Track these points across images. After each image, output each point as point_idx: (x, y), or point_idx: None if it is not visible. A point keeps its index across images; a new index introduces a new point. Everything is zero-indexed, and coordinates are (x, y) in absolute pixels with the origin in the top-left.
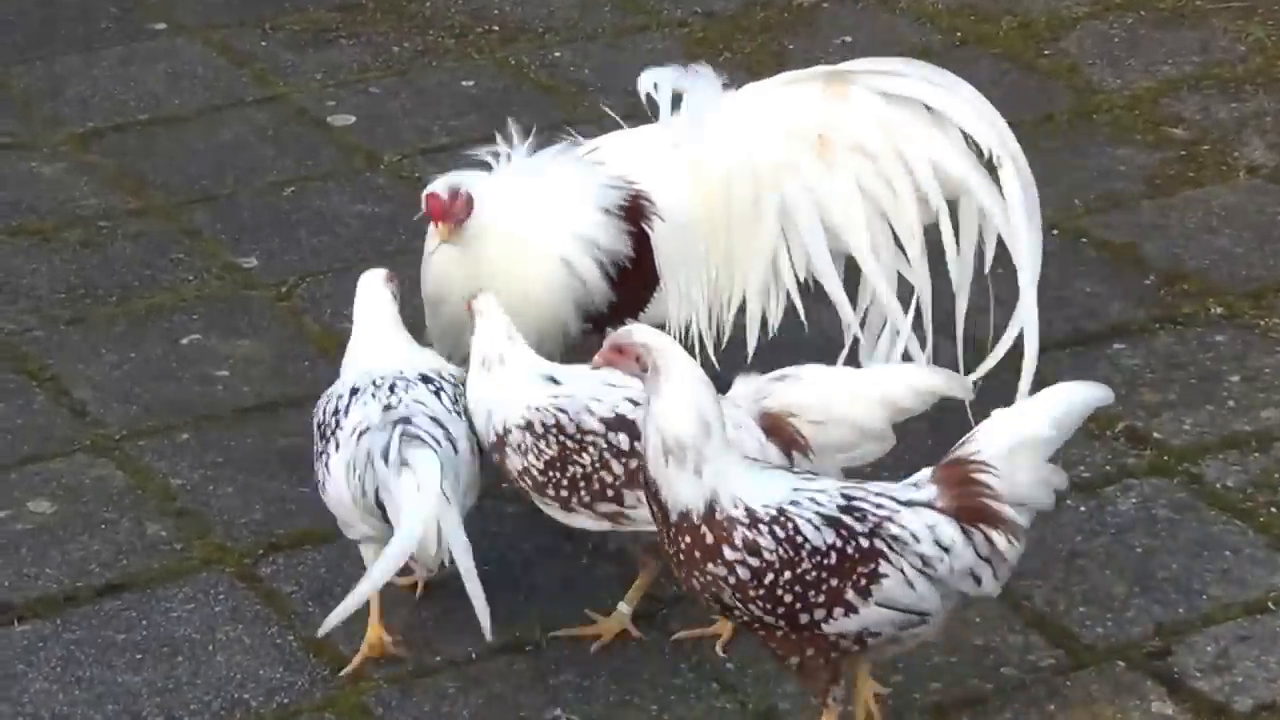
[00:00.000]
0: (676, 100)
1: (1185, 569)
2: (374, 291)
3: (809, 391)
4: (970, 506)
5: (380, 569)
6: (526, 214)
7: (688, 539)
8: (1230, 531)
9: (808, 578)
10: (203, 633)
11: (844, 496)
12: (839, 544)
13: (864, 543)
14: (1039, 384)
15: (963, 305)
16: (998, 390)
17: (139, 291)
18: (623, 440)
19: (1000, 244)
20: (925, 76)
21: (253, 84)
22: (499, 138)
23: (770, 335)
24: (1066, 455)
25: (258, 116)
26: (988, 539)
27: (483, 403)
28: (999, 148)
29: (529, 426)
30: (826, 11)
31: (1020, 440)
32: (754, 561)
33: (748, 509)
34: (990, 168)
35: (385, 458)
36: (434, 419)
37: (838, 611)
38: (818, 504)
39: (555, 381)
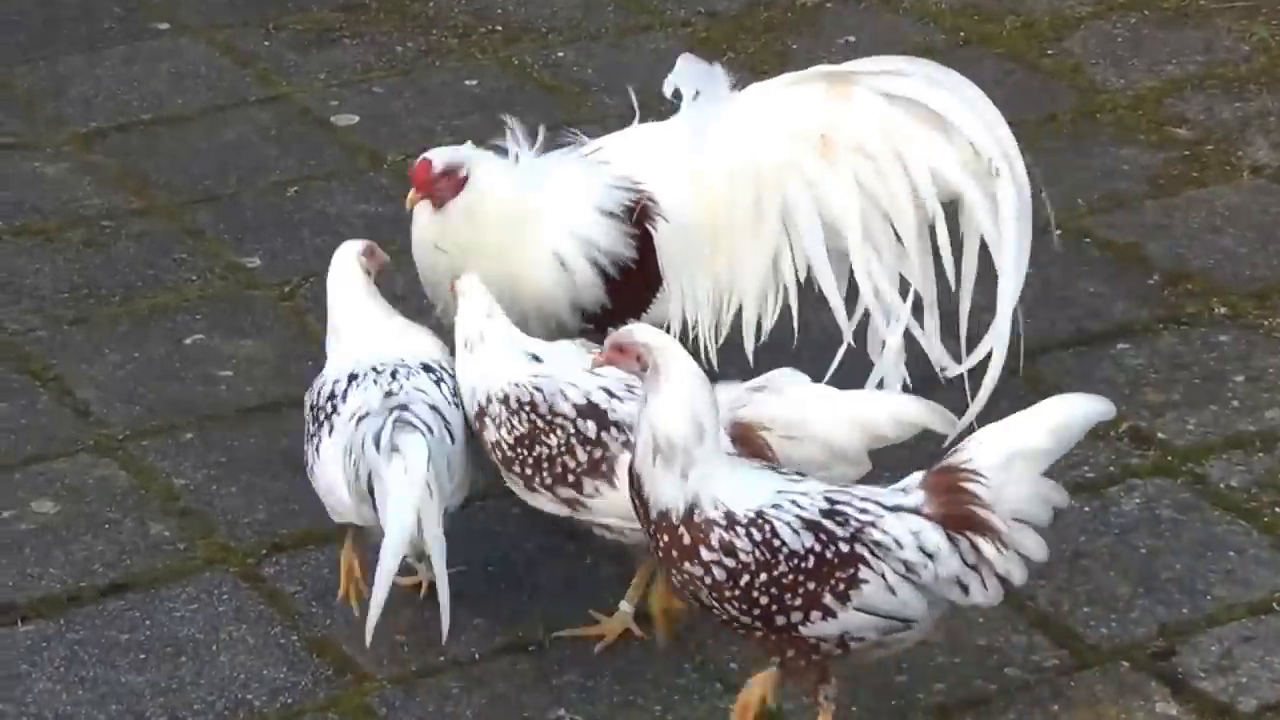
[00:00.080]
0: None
1: (1189, 569)
2: (346, 266)
3: (788, 406)
4: (957, 514)
5: (385, 564)
6: (526, 206)
7: (666, 538)
8: (1234, 532)
9: (784, 581)
10: (206, 633)
11: (827, 500)
12: (817, 548)
13: (844, 547)
14: (1041, 385)
15: (965, 305)
16: (1003, 393)
17: (142, 291)
18: (590, 428)
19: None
20: (928, 77)
21: (256, 84)
22: (508, 135)
23: (771, 336)
24: (1070, 455)
25: (261, 116)
26: (974, 547)
27: (468, 382)
28: (998, 158)
29: (505, 400)
30: (830, 11)
31: (1015, 451)
32: (730, 563)
33: (727, 512)
34: (992, 171)
35: (377, 444)
36: (433, 407)
37: (815, 615)
38: (799, 507)
39: (537, 359)
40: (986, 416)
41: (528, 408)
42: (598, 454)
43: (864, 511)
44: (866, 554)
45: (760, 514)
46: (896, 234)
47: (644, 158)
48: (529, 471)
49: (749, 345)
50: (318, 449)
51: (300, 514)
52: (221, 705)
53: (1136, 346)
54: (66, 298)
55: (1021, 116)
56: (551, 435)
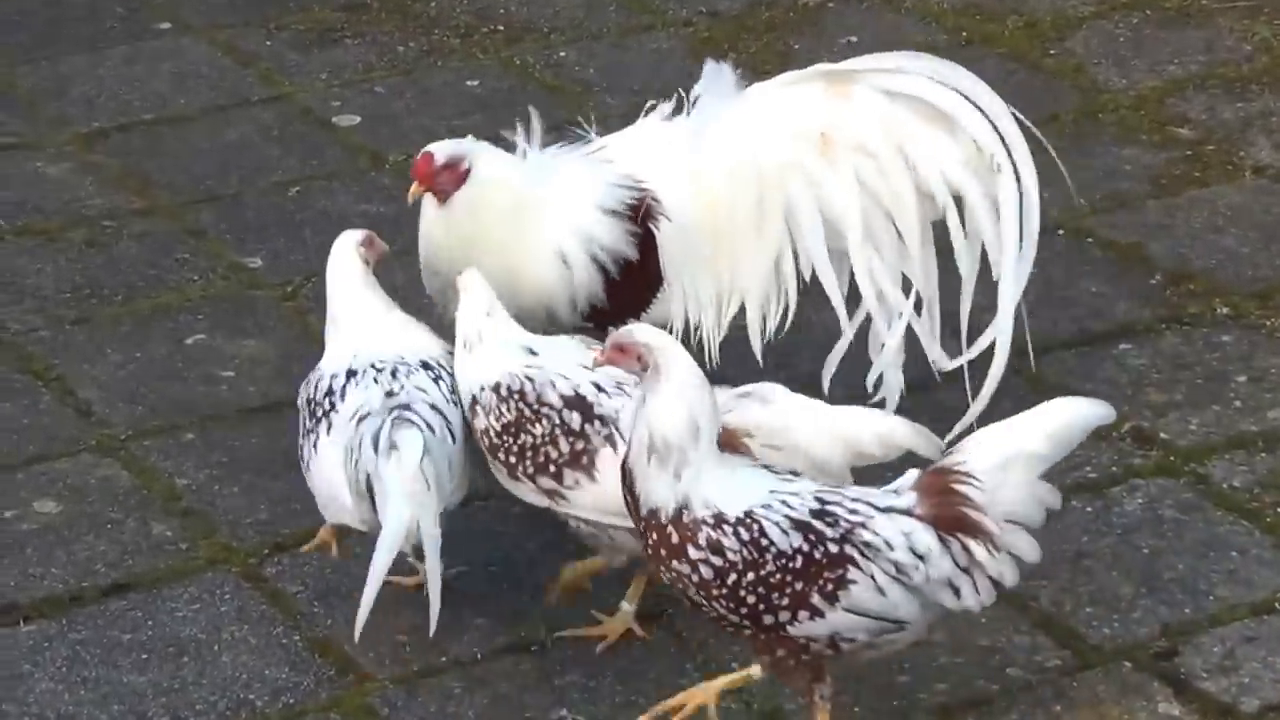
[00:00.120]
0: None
1: (1192, 569)
2: (345, 256)
3: (774, 415)
4: (948, 515)
5: (380, 559)
6: (528, 199)
7: (655, 535)
8: (1237, 532)
9: (771, 580)
10: (208, 633)
11: (818, 500)
12: (806, 548)
13: (833, 548)
14: (1043, 385)
15: (966, 304)
16: (1005, 393)
17: (144, 291)
18: (574, 419)
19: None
20: (929, 73)
21: (258, 84)
22: (520, 130)
23: (776, 335)
24: (1072, 455)
25: (263, 116)
26: (966, 549)
27: (465, 380)
28: (1000, 155)
29: (497, 388)
30: (832, 11)
31: (1012, 455)
32: (717, 561)
33: (717, 512)
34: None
35: (375, 444)
36: (433, 406)
37: (803, 615)
38: (789, 507)
39: (533, 353)
40: (988, 417)
41: (516, 396)
42: (579, 446)
43: (854, 512)
44: (856, 555)
45: (749, 514)
46: (898, 232)
47: (647, 157)
48: (513, 460)
49: (756, 346)
50: (315, 445)
51: (302, 514)
52: (223, 705)
53: (1139, 347)
54: (68, 298)
55: (1024, 117)
56: (537, 424)
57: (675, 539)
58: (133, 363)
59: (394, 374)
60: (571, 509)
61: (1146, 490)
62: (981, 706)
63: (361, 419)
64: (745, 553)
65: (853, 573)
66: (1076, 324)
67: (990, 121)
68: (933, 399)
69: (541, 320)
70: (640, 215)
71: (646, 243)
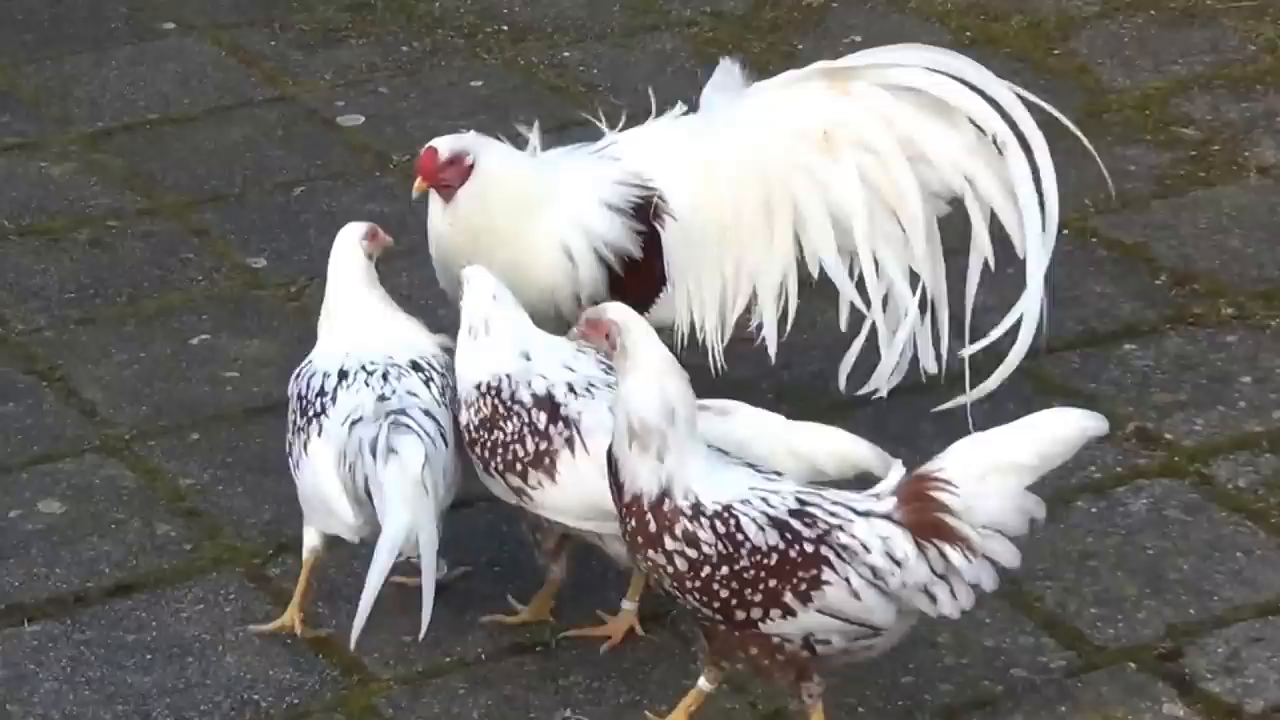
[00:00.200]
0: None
1: (1196, 570)
2: (348, 249)
3: (732, 429)
4: (924, 522)
5: (379, 562)
6: (534, 193)
7: (634, 522)
8: (1242, 532)
9: (745, 575)
10: (213, 633)
11: (798, 501)
12: (782, 546)
13: (808, 548)
14: (1048, 385)
15: (970, 302)
16: (1009, 394)
17: (148, 291)
18: (541, 419)
19: (1008, 243)
20: (927, 63)
21: (262, 84)
22: (530, 126)
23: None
24: (1077, 455)
25: (267, 116)
26: (942, 555)
27: (464, 370)
28: (1003, 132)
29: (479, 385)
30: (836, 11)
31: (994, 464)
32: (692, 553)
33: (696, 502)
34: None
35: (374, 451)
36: (426, 411)
37: (775, 613)
38: (768, 505)
39: (527, 358)
40: (989, 418)
41: (493, 392)
42: (543, 446)
43: (833, 515)
44: (832, 556)
45: (727, 508)
46: (903, 228)
47: (655, 155)
48: (486, 454)
49: (771, 346)
50: (305, 447)
51: None
52: (228, 706)
53: (1143, 347)
54: (73, 298)
55: (1029, 117)
56: (508, 422)
57: (653, 527)
58: (137, 363)
59: (385, 377)
60: (538, 509)
61: (1151, 491)
62: (986, 707)
63: (354, 424)
64: (721, 547)
65: (827, 574)
66: (1081, 324)
67: (988, 98)
68: (936, 400)
69: (549, 316)
70: (646, 213)
71: (651, 241)
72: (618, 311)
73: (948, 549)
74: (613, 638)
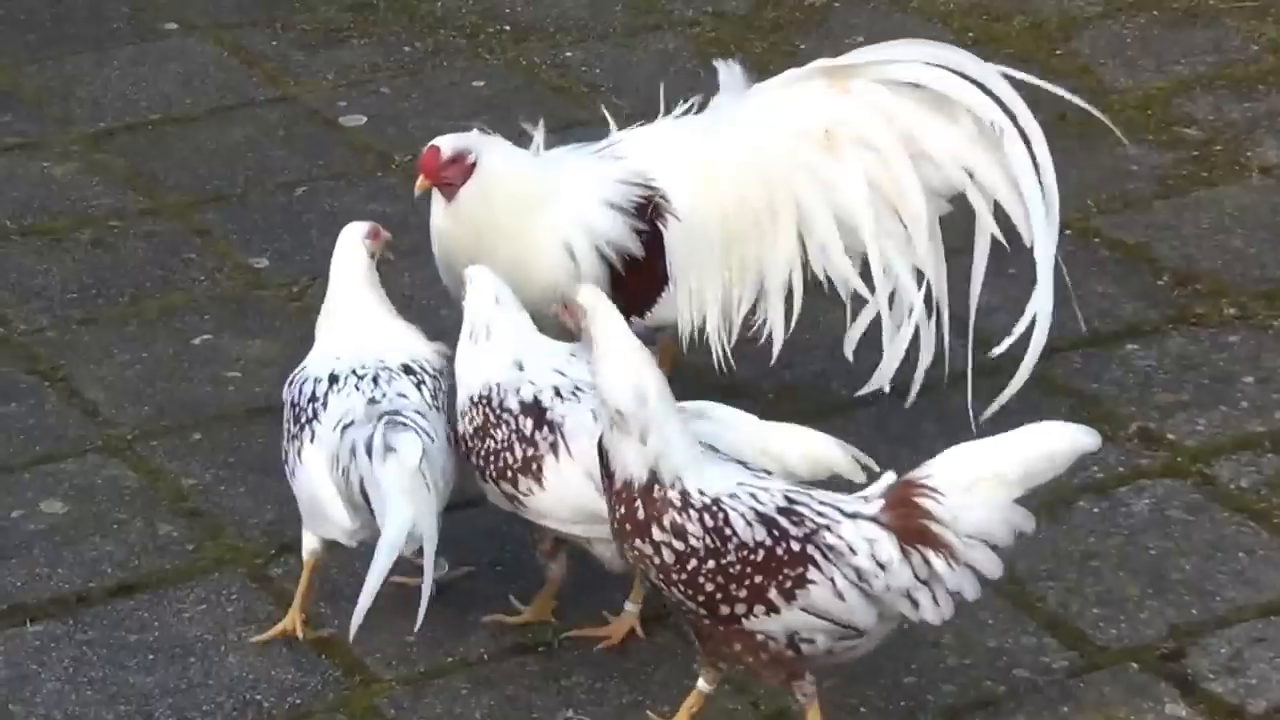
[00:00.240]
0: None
1: (1199, 570)
2: (350, 248)
3: (708, 430)
4: (910, 527)
5: (380, 561)
6: (536, 191)
7: (623, 509)
8: (1244, 533)
9: (731, 570)
10: (215, 633)
11: (786, 499)
12: (768, 542)
13: (795, 546)
14: (1051, 386)
15: (974, 302)
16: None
17: (150, 291)
18: (528, 426)
19: (1009, 242)
20: (925, 58)
21: (264, 84)
22: (535, 125)
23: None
24: (1080, 456)
25: (269, 117)
26: (926, 561)
27: (464, 374)
28: (1000, 118)
29: (471, 395)
30: (838, 11)
31: (981, 475)
32: (679, 545)
33: (684, 491)
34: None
35: (369, 451)
36: (417, 413)
37: (759, 609)
38: (757, 501)
39: (520, 367)
40: (990, 419)
41: (484, 400)
42: (530, 452)
43: (821, 515)
44: (818, 556)
45: (716, 501)
46: (905, 225)
47: (658, 155)
48: (480, 463)
49: (776, 344)
50: (299, 453)
51: None
52: (230, 706)
53: (1145, 347)
54: (75, 298)
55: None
56: (498, 429)
57: (642, 514)
58: (139, 363)
59: (375, 380)
60: (529, 516)
61: (1154, 491)
62: (988, 707)
63: (346, 427)
64: (708, 540)
65: (813, 573)
66: (1083, 324)
67: (987, 91)
68: (940, 401)
69: (552, 315)
70: (648, 213)
71: (653, 241)
72: (586, 295)
73: (931, 555)
74: (612, 638)
